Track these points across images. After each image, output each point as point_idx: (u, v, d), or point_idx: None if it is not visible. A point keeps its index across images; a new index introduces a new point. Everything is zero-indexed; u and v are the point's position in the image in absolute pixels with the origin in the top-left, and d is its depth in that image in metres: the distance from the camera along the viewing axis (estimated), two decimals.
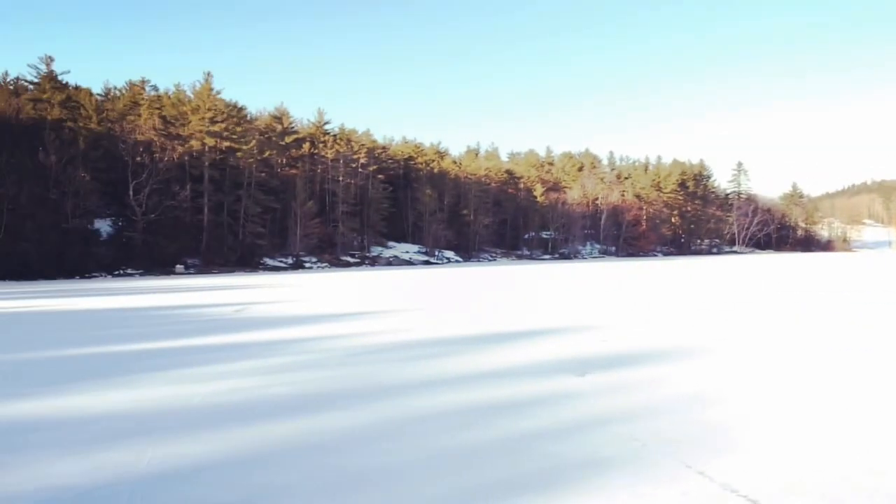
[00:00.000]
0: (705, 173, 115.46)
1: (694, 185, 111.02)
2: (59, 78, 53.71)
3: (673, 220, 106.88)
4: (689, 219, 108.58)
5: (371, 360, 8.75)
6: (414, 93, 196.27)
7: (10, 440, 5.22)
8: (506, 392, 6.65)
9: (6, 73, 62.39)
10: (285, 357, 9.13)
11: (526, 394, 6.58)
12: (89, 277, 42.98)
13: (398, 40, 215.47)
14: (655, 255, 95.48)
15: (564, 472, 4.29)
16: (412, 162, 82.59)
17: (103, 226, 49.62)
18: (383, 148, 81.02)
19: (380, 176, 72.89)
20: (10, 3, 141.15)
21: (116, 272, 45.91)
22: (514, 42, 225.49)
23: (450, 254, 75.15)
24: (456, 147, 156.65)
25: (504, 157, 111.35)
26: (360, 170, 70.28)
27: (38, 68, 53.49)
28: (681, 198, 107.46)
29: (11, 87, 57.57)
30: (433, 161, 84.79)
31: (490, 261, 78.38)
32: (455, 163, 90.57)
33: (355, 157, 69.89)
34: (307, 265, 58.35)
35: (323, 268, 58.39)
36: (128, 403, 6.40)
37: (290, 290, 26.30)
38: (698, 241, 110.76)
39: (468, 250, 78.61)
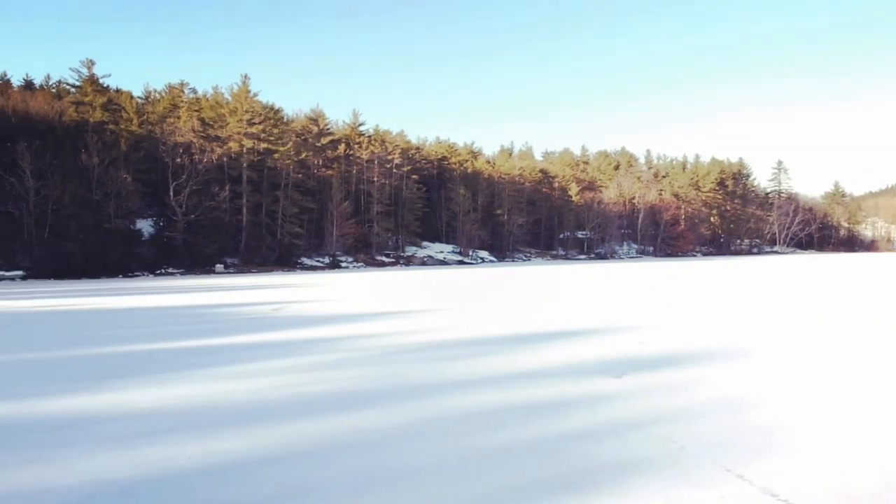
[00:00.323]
0: (745, 172, 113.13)
1: (733, 183, 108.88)
2: (101, 81, 55.06)
3: (712, 219, 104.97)
4: (728, 218, 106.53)
5: (406, 359, 8.80)
6: (448, 92, 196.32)
7: (54, 435, 5.38)
8: (541, 392, 6.63)
9: (48, 77, 64.61)
10: (322, 355, 9.24)
11: (562, 394, 6.55)
12: (131, 276, 44.09)
13: (432, 40, 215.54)
14: (694, 256, 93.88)
15: (600, 473, 4.26)
16: (446, 162, 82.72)
17: (145, 226, 50.82)
18: (417, 148, 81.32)
19: (414, 176, 73.19)
20: (53, 4, 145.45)
21: (158, 271, 47.01)
22: (548, 39, 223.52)
23: (484, 254, 75.05)
24: (489, 147, 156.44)
25: (538, 157, 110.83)
26: (394, 170, 70.67)
27: (79, 72, 54.88)
28: (720, 197, 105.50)
29: (54, 91, 59.46)
30: (466, 161, 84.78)
31: (524, 261, 78.02)
32: (488, 162, 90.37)
33: (389, 157, 70.30)
34: (343, 265, 58.90)
35: (358, 267, 58.88)
36: (169, 400, 6.56)
37: (326, 289, 26.58)
38: (738, 241, 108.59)
39: (502, 250, 78.41)
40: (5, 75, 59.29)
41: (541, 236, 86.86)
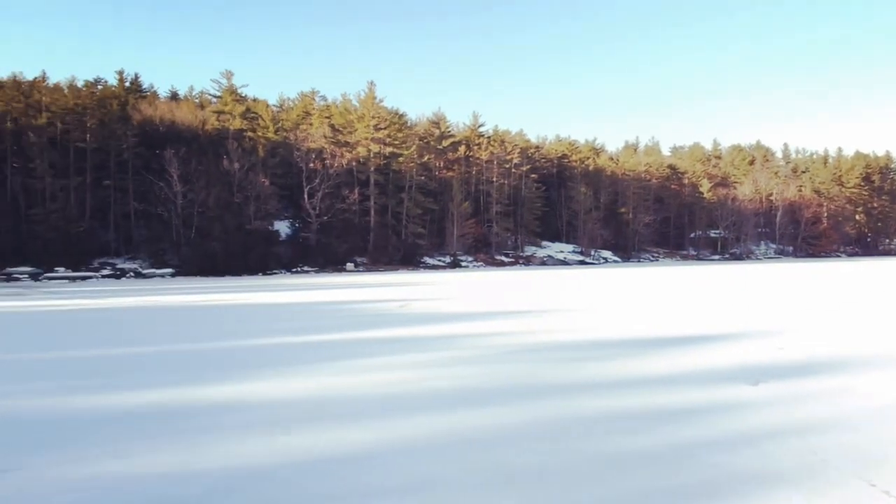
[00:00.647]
0: (893, 166, 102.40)
1: (880, 178, 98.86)
2: (239, 91, 59.19)
3: (857, 217, 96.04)
4: (875, 216, 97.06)
5: (530, 358, 8.85)
6: (568, 89, 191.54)
7: (202, 421, 5.88)
8: (671, 398, 6.45)
9: (191, 88, 70.23)
10: (446, 352, 9.47)
11: (693, 401, 6.34)
12: (270, 274, 47.16)
13: (551, 35, 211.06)
14: (838, 256, 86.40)
15: (733, 483, 4.12)
16: (566, 160, 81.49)
17: (282, 227, 54.22)
18: (536, 147, 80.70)
19: (533, 175, 72.75)
20: (188, 16, 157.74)
21: (294, 269, 50.06)
22: (675, 28, 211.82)
23: (607, 254, 73.19)
24: (612, 143, 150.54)
25: (666, 152, 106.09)
26: (513, 170, 70.65)
27: (219, 82, 59.41)
28: (865, 193, 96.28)
29: (197, 101, 64.66)
30: (588, 158, 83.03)
31: (652, 261, 75.27)
32: (612, 159, 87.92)
33: (508, 157, 70.34)
34: (463, 264, 59.73)
35: (478, 267, 59.46)
36: (306, 390, 7.01)
37: (448, 287, 27.09)
38: (886, 240, 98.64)
39: (627, 250, 76.07)
40: (152, 87, 65.09)
41: (669, 235, 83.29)
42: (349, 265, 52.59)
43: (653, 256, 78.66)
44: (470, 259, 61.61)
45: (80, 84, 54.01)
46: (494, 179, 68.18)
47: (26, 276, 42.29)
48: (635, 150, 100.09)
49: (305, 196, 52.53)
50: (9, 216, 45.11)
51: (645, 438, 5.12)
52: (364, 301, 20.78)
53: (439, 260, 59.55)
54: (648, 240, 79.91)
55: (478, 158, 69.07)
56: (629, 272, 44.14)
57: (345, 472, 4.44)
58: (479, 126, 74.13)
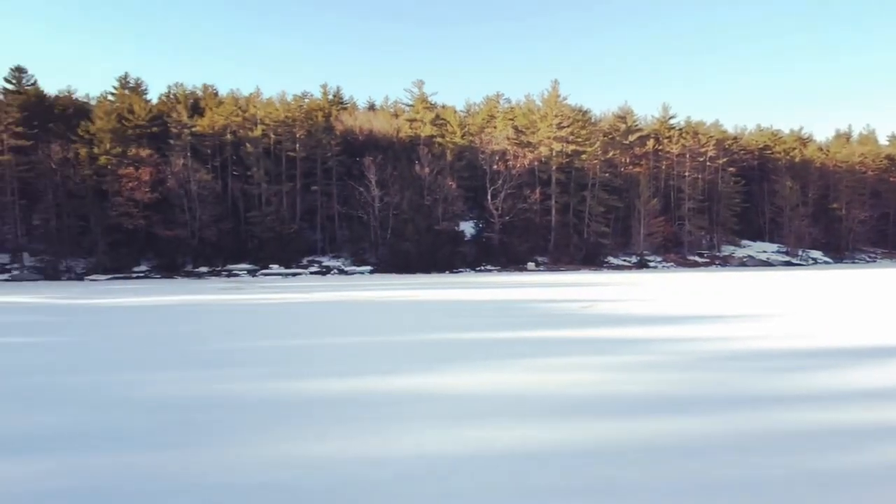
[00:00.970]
0: None
1: None
2: (429, 99, 62.19)
3: None
4: None
5: (725, 366, 8.33)
6: (769, 74, 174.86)
7: (392, 409, 6.17)
8: (887, 414, 5.80)
9: (386, 98, 75.21)
10: (635, 356, 9.18)
11: None
12: (456, 272, 49.02)
13: (747, 17, 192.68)
14: None
15: None
16: (768, 151, 74.89)
17: (467, 227, 56.09)
18: (734, 138, 75.02)
19: (730, 169, 67.78)
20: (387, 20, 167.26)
21: (478, 268, 51.66)
22: (888, 10, 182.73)
23: (816, 254, 66.17)
24: (821, 132, 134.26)
25: (883, 141, 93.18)
26: (707, 163, 66.40)
27: (412, 91, 62.90)
28: None
29: (391, 110, 68.95)
30: (794, 149, 75.57)
31: (868, 262, 66.86)
32: (821, 150, 79.22)
33: (702, 150, 66.20)
34: (651, 264, 57.37)
35: (668, 267, 56.76)
36: (488, 385, 7.15)
37: (635, 288, 26.23)
38: None
39: (839, 250, 68.18)
40: (352, 98, 71.28)
41: (888, 234, 73.31)
42: (530, 264, 52.97)
43: (869, 257, 69.85)
44: (658, 259, 59.03)
45: (289, 98, 60.24)
46: (686, 174, 64.65)
47: (244, 272, 48.15)
48: (848, 139, 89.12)
49: (489, 197, 53.83)
50: (230, 219, 51.69)
51: (857, 456, 4.63)
52: (547, 300, 20.80)
53: (624, 260, 57.78)
54: (864, 238, 71.09)
55: (668, 152, 65.94)
56: (842, 274, 39.61)
57: (525, 468, 4.46)
58: (670, 118, 70.74)
